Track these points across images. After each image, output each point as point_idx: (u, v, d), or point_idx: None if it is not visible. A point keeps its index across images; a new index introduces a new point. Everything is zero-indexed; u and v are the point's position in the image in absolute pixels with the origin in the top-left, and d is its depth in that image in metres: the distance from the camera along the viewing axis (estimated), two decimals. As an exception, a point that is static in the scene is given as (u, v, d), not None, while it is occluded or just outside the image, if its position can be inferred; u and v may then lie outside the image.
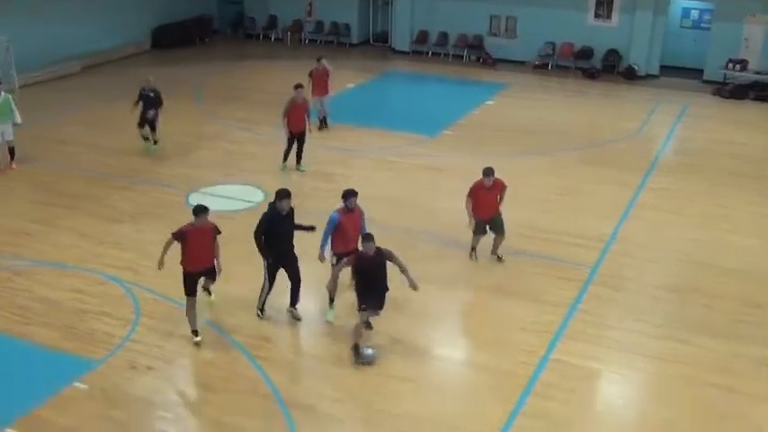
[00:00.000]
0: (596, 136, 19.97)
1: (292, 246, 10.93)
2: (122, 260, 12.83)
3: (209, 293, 11.49)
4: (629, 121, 21.45)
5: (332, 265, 10.92)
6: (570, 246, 13.62)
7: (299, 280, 11.08)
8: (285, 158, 17.03)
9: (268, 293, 11.09)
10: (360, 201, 10.98)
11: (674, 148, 19.66)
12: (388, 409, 9.33)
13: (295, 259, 11.00)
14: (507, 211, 12.96)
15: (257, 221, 10.75)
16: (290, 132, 16.62)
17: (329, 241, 10.98)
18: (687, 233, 14.36)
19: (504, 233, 12.87)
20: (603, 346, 10.77)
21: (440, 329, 11.33)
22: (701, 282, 12.60)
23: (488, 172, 12.53)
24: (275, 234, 10.70)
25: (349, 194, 10.89)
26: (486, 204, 12.66)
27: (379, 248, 10.04)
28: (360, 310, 10.21)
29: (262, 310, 11.22)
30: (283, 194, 10.71)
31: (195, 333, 10.59)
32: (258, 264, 10.94)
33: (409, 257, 12.89)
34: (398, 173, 17.11)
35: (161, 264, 10.34)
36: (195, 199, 15.10)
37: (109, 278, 12.26)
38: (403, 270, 10.22)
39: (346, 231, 10.87)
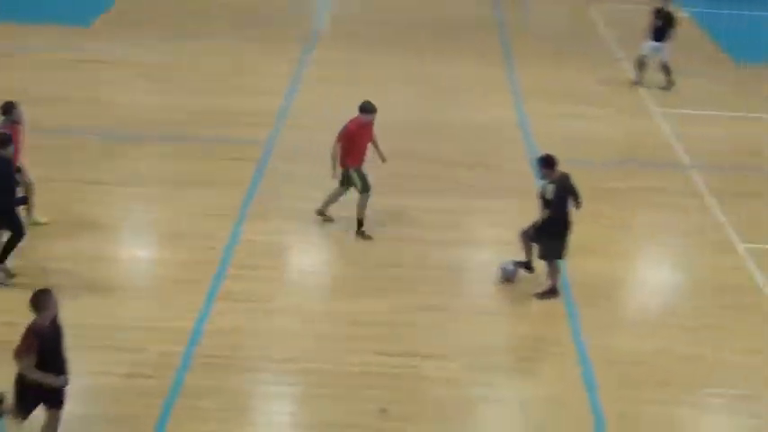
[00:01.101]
0: (256, 12, 19.79)
1: None
2: None
3: None
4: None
5: None
6: (243, 126, 13.64)
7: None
8: None
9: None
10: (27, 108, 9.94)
11: (333, 17, 20.15)
12: (82, 322, 8.84)
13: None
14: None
15: None
16: None
17: None
18: (352, 100, 14.88)
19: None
20: (287, 219, 11.06)
21: (122, 230, 10.91)
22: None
23: (371, 108, 10.52)
24: (10, 182, 9.21)
25: (10, 107, 9.76)
26: (361, 149, 10.58)
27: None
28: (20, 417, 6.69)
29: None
30: (5, 140, 9.01)
31: None
32: None
33: (81, 158, 12.20)
34: (58, 71, 15.69)
35: None
36: None
37: None
38: None
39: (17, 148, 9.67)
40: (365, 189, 10.52)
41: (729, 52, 18.42)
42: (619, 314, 9.62)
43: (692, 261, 10.67)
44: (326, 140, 13.26)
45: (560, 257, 9.56)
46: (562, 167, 9.32)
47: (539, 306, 9.54)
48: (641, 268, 10.67)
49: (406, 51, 17.54)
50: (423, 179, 12.24)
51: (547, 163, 9.30)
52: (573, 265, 10.14)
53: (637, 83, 16.12)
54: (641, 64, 16.07)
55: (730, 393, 8.39)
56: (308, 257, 10.47)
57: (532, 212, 9.51)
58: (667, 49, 15.88)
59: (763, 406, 8.22)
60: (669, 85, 16.01)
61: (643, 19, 16.30)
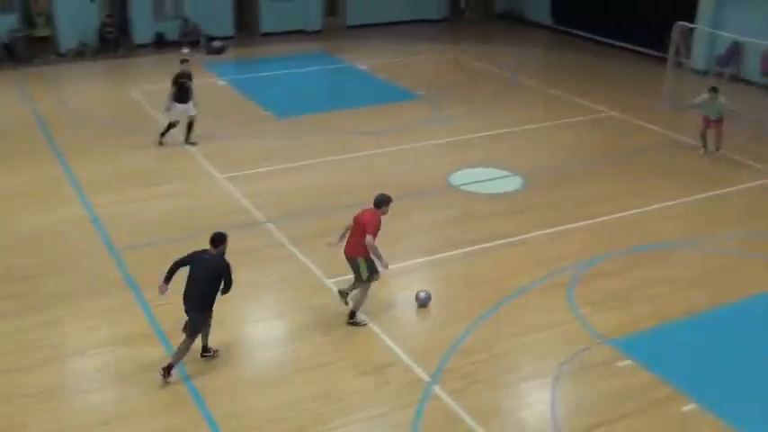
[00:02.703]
0: None
1: None
2: None
3: None
4: None
5: None
6: None
7: None
8: None
9: None
10: None
11: None
12: None
13: None
14: None
15: None
16: None
17: None
18: None
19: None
20: None
21: None
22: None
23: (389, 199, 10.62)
24: None
25: None
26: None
27: None
28: None
29: None
30: None
31: None
32: None
33: None
34: None
35: None
36: None
37: None
38: None
39: None
40: (371, 278, 10.63)
41: (271, 110, 19.79)
42: (242, 377, 9.69)
43: (292, 306, 11.20)
44: None
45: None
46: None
47: (165, 394, 9.26)
48: (246, 327, 10.92)
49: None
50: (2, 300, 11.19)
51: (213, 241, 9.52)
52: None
53: (162, 143, 17.16)
54: (171, 126, 17.09)
55: (361, 417, 8.98)
56: None
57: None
58: (193, 108, 16.95)
59: (390, 419, 8.94)
60: (193, 142, 17.13)
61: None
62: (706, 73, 22.81)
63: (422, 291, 11.17)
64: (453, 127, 18.63)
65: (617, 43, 26.34)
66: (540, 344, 10.39)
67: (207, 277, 9.31)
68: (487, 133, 18.22)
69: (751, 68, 22.26)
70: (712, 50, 23.29)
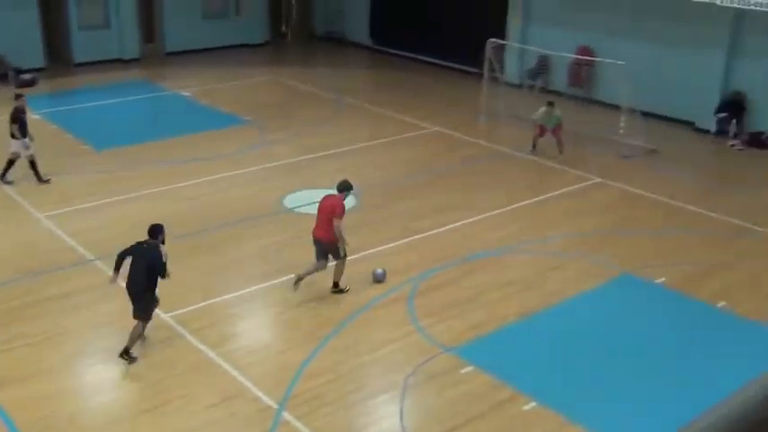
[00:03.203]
0: None
1: None
2: None
3: None
4: None
5: None
6: None
7: None
8: None
9: None
10: None
11: None
12: None
13: None
14: None
15: None
16: None
17: None
18: None
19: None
20: None
21: None
22: None
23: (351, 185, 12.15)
24: None
25: None
26: None
27: None
28: None
29: None
30: None
31: None
32: None
33: None
34: None
35: None
36: None
37: None
38: None
39: None
40: (346, 254, 11.84)
41: (90, 143, 18.93)
42: (79, 426, 9.18)
43: (129, 346, 10.74)
44: None
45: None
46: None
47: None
48: (81, 370, 10.35)
49: None
50: None
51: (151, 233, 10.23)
52: (12, 398, 9.40)
53: (7, 182, 16.10)
54: (32, 162, 16.05)
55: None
56: None
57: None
58: (30, 145, 16.01)
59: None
60: (45, 180, 16.10)
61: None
62: (519, 86, 24.01)
63: (378, 268, 12.32)
64: (282, 150, 18.58)
65: (435, 61, 27.30)
66: (386, 358, 10.51)
67: (143, 267, 9.97)
68: (317, 154, 18.32)
69: (558, 80, 23.65)
70: (523, 65, 24.57)
